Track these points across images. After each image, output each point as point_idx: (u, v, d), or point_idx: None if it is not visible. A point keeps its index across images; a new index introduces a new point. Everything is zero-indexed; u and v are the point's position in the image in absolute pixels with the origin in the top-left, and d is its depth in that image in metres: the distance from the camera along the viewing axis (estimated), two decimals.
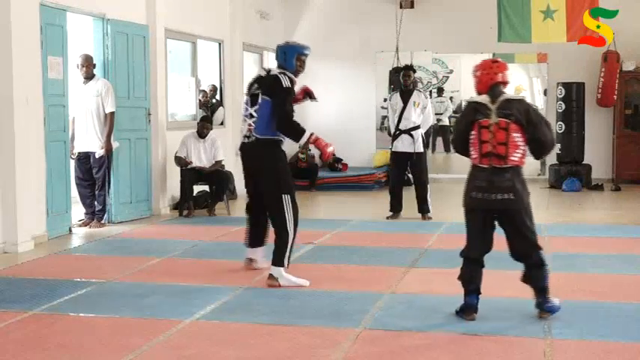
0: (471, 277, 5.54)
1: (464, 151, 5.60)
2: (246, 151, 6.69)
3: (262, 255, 7.03)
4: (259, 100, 6.53)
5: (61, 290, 6.35)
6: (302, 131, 6.45)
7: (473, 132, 5.44)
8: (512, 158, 5.36)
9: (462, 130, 5.54)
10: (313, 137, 6.47)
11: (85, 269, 7.30)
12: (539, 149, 5.53)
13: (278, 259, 6.48)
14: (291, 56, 6.59)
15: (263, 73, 6.69)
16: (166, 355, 4.83)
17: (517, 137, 5.36)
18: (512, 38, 13.28)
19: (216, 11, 12.90)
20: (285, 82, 6.44)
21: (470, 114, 5.50)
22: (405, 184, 10.86)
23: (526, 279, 5.62)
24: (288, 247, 6.49)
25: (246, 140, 6.65)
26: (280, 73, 6.52)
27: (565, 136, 14.40)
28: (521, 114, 5.38)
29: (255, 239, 7.03)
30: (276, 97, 6.44)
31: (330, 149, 6.55)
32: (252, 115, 6.58)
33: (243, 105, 6.74)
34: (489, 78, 5.51)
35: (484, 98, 5.49)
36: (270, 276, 6.49)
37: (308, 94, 6.97)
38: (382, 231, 9.65)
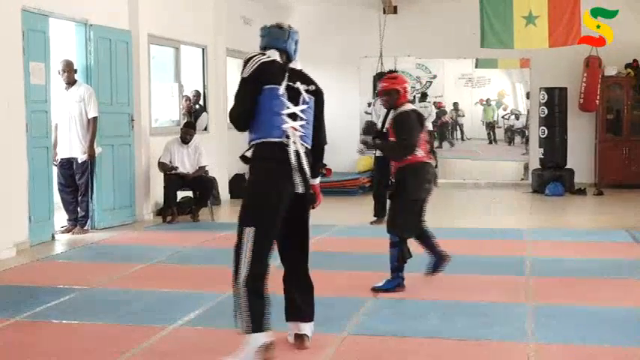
0: (409, 254, 6.47)
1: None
2: (293, 168, 4.71)
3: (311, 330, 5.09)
4: (306, 99, 4.78)
5: (44, 297, 6.31)
6: None
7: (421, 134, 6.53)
8: None
9: (419, 133, 6.54)
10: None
11: (68, 276, 7.26)
12: None
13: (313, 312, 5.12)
14: (298, 45, 5.11)
15: (277, 58, 4.85)
16: None
17: None
18: (494, 44, 13.32)
19: (200, 17, 12.87)
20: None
21: (419, 120, 6.57)
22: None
23: (427, 243, 6.85)
24: None
25: (291, 149, 4.65)
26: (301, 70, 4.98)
27: (548, 140, 14.47)
28: None
29: (301, 309, 5.07)
30: (321, 106, 4.97)
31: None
32: (296, 116, 4.71)
33: (279, 98, 4.65)
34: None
35: (414, 107, 6.72)
36: (306, 337, 5.03)
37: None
38: (366, 236, 9.65)
